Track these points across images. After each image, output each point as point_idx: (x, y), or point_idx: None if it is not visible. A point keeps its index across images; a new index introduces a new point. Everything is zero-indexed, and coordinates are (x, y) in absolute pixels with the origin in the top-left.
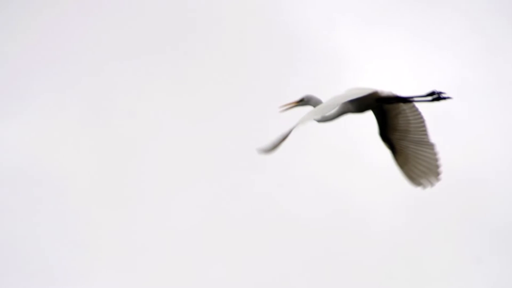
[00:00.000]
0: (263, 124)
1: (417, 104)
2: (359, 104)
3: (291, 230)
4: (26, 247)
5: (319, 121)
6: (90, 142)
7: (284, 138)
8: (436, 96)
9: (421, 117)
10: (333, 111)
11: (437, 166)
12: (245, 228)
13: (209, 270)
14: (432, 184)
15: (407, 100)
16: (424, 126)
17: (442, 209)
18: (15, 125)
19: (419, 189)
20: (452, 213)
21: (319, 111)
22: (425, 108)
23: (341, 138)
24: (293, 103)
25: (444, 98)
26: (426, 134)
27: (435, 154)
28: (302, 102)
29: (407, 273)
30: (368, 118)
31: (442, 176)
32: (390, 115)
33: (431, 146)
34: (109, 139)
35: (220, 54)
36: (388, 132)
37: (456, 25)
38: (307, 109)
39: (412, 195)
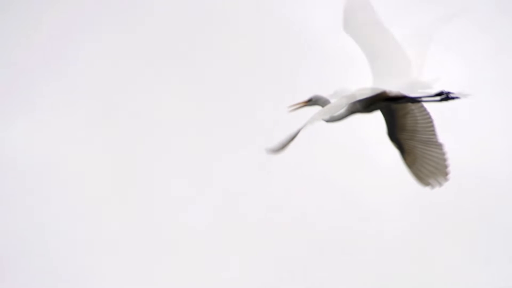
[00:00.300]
0: (271, 124)
1: (425, 104)
2: (368, 104)
3: (300, 230)
4: (35, 247)
5: (328, 121)
6: (101, 141)
7: (292, 138)
8: (445, 96)
9: (430, 117)
10: (341, 111)
11: (446, 166)
12: (253, 228)
13: (219, 270)
14: (440, 184)
15: (415, 100)
16: (432, 126)
17: (451, 209)
18: (25, 125)
19: (427, 189)
20: (461, 213)
21: (327, 111)
22: (433, 108)
23: (349, 138)
24: (301, 103)
25: (453, 98)
26: (434, 134)
27: (443, 154)
28: (311, 102)
29: (416, 273)
30: (377, 118)
31: (450, 176)
32: (399, 115)
33: (439, 146)
34: (120, 139)
35: (227, 55)
36: (397, 132)
37: (464, 25)
38: (316, 109)
39: (421, 195)
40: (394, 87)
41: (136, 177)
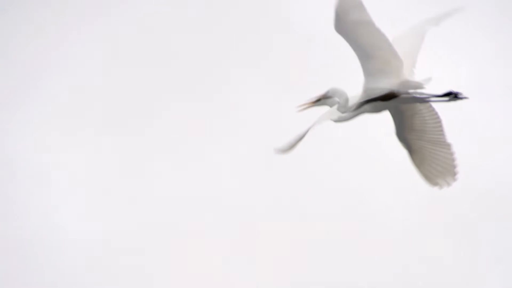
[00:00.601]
0: (279, 124)
1: (433, 104)
2: (376, 104)
3: (307, 229)
4: (38, 247)
5: (336, 121)
6: (110, 143)
7: (300, 138)
8: (453, 96)
9: (438, 117)
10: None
11: (454, 166)
12: (259, 227)
13: (226, 270)
14: (449, 184)
15: (423, 100)
16: (440, 126)
17: (459, 209)
18: (25, 126)
19: (436, 189)
20: (469, 213)
21: (335, 111)
22: (441, 108)
23: (357, 138)
24: (310, 103)
25: (461, 98)
26: (442, 134)
27: (451, 154)
28: (319, 102)
29: (424, 273)
30: (385, 118)
31: (458, 176)
32: (407, 115)
33: (447, 146)
34: (127, 141)
35: (234, 53)
36: (405, 132)
37: (473, 24)
38: (324, 108)
39: (429, 195)
40: (386, 87)
41: (140, 178)
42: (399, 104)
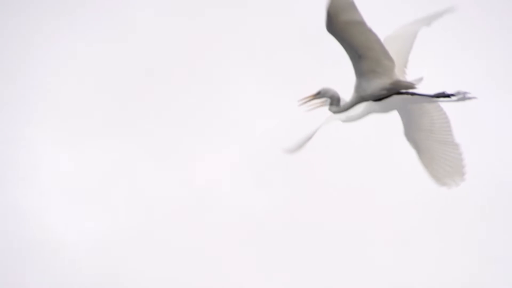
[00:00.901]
0: (280, 124)
1: (441, 104)
2: (383, 104)
3: (314, 228)
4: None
5: (344, 120)
6: (106, 143)
7: (309, 138)
8: (461, 96)
9: (446, 117)
10: (357, 110)
11: (462, 166)
12: (265, 226)
13: (226, 270)
14: (457, 184)
15: (431, 100)
16: (448, 126)
17: (460, 208)
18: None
19: (444, 188)
20: (475, 213)
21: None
22: (449, 108)
23: (365, 137)
24: (319, 102)
25: (469, 98)
26: (450, 134)
27: (459, 154)
28: (325, 102)
29: (424, 272)
30: (393, 117)
31: (466, 176)
32: (415, 114)
33: (455, 146)
34: (124, 141)
35: (233, 54)
36: (413, 132)
37: (480, 24)
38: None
39: (429, 194)
40: (378, 87)
41: (137, 179)
42: (407, 104)
